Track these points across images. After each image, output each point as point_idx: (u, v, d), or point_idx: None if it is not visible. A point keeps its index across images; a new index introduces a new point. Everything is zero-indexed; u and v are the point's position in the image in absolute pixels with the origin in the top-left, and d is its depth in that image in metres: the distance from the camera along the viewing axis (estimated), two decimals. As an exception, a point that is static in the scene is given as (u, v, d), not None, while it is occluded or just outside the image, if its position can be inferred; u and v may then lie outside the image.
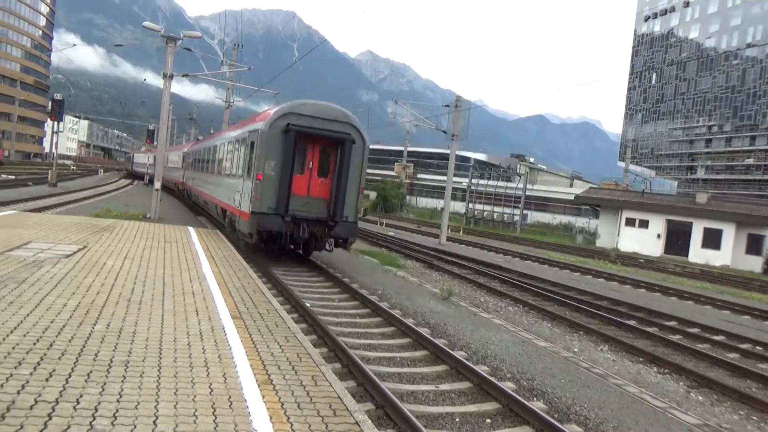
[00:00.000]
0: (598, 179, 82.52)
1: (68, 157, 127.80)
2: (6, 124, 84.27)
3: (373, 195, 67.93)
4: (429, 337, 8.51)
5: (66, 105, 33.31)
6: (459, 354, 7.98)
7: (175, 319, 5.94)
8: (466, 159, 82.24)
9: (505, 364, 7.88)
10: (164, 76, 21.55)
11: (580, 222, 53.49)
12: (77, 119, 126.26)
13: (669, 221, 38.42)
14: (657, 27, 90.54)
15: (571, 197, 53.81)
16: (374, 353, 7.89)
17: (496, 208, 57.65)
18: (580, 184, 76.44)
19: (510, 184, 59.56)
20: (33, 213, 16.86)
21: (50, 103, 33.29)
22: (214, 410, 3.82)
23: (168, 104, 22.41)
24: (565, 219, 58.10)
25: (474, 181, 60.05)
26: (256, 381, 4.45)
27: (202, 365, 4.63)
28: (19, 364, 4.20)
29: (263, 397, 4.15)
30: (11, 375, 3.97)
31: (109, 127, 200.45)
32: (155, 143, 41.12)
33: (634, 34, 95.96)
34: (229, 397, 4.06)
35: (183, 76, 25.44)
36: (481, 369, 7.38)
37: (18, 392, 3.71)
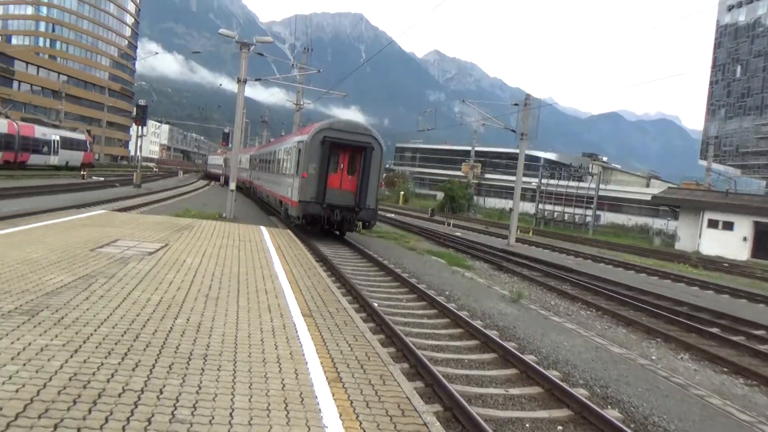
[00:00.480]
0: (677, 179, 78.39)
1: (151, 160, 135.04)
2: (96, 129, 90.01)
3: (440, 195, 67.65)
4: (498, 339, 8.37)
5: (149, 110, 35.25)
6: (529, 358, 7.81)
7: (249, 315, 6.14)
8: (536, 158, 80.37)
9: (577, 370, 7.63)
10: (238, 80, 22.34)
11: (657, 224, 51.00)
12: (159, 124, 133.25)
13: (757, 223, 35.95)
14: (742, 17, 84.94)
15: (648, 197, 51.43)
16: (442, 354, 7.85)
17: (567, 209, 55.95)
18: (657, 183, 72.92)
19: (582, 184, 57.65)
20: (120, 212, 17.92)
21: (135, 109, 35.36)
22: (286, 405, 3.92)
23: (242, 108, 23.22)
24: (641, 220, 55.56)
25: (544, 181, 58.56)
26: (326, 378, 4.53)
27: (274, 361, 4.76)
28: (109, 354, 4.47)
29: (333, 395, 4.22)
30: (102, 364, 4.23)
31: (188, 131, 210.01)
32: (230, 145, 42.74)
33: (717, 25, 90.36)
34: (301, 393, 4.15)
35: (256, 80, 26.29)
36: (552, 374, 7.19)
37: (108, 380, 3.95)
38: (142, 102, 34.73)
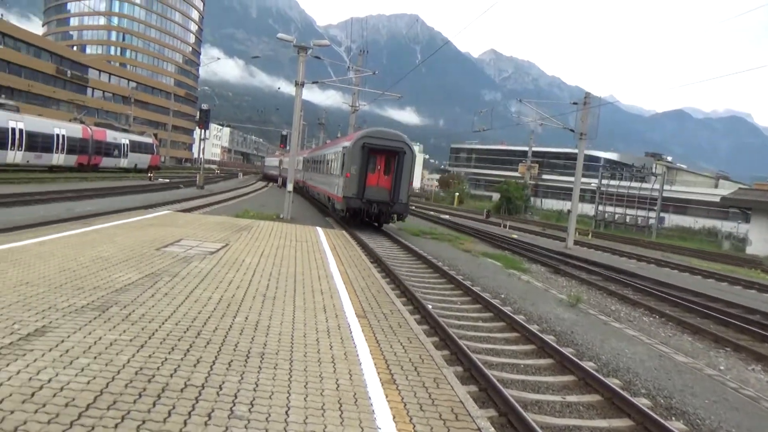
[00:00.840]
0: (748, 179, 74.26)
1: (213, 162, 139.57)
2: (162, 133, 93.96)
3: (496, 196, 66.70)
4: (555, 345, 8.17)
5: (211, 114, 36.43)
6: (588, 365, 7.58)
7: (305, 315, 6.25)
8: (596, 159, 78.04)
9: (639, 379, 7.35)
10: (296, 84, 22.78)
11: (726, 226, 48.43)
12: (221, 127, 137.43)
13: (839, 227, 33.59)
14: (825, 6, 79.50)
15: (716, 199, 48.94)
16: (497, 358, 7.74)
17: (629, 211, 54.00)
18: (726, 184, 69.25)
19: (644, 185, 55.49)
20: (183, 213, 18.62)
21: (198, 113, 36.60)
22: (341, 405, 3.96)
23: (299, 110, 23.66)
24: (708, 223, 52.92)
25: (604, 181, 56.75)
26: (380, 380, 4.55)
27: (329, 361, 4.82)
28: (172, 349, 4.65)
29: (386, 396, 4.23)
30: (165, 359, 4.41)
31: (248, 134, 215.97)
32: (287, 147, 43.63)
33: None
34: (355, 394, 4.19)
35: (313, 83, 26.72)
36: (613, 382, 6.95)
37: (171, 375, 4.11)
38: (204, 106, 35.92)
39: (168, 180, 45.08)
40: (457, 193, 70.73)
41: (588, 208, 58.81)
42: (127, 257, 8.49)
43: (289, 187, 23.11)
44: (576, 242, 28.62)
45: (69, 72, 79.06)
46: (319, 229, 16.70)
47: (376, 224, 22.82)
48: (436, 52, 28.07)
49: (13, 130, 33.27)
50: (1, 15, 45.50)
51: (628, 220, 53.33)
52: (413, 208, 40.90)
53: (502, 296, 11.93)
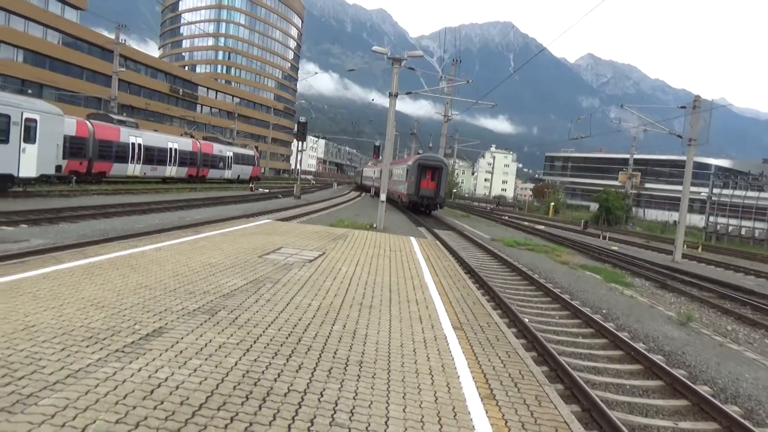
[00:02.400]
0: None
1: (309, 173, 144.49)
2: (263, 145, 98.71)
3: (594, 206, 63.85)
4: (664, 365, 7.62)
5: (307, 126, 37.71)
6: (702, 389, 7.00)
7: (401, 325, 6.25)
8: (706, 166, 72.72)
9: (763, 407, 6.68)
10: (389, 95, 23.07)
11: None
12: (316, 139, 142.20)
13: None
14: None
15: None
16: (599, 377, 7.34)
17: (744, 223, 49.62)
18: None
19: (762, 194, 50.82)
20: (282, 222, 19.37)
21: (296, 126, 38.02)
22: (440, 419, 3.90)
23: (392, 121, 23.92)
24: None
25: (716, 191, 52.60)
26: (479, 394, 4.44)
27: (426, 372, 4.78)
28: (276, 354, 4.81)
29: (486, 412, 4.12)
30: (269, 364, 4.56)
31: (342, 145, 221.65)
32: (380, 158, 44.28)
33: None
34: (453, 408, 4.11)
35: (406, 94, 26.93)
36: (732, 410, 6.37)
37: (275, 380, 4.24)
38: (302, 119, 37.21)
39: (268, 190, 47.18)
40: (552, 203, 68.41)
41: (697, 219, 54.76)
42: (232, 264, 8.93)
43: (382, 197, 23.37)
44: (684, 256, 26.69)
45: (181, 90, 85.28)
46: (412, 238, 16.75)
47: (427, 211, 35.56)
48: (530, 59, 27.33)
49: (133, 145, 36.29)
50: (124, 40, 49.85)
51: (743, 233, 49.01)
52: (506, 218, 47.00)
53: (604, 311, 11.34)
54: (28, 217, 15.82)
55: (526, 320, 9.38)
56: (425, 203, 34.03)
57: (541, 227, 39.65)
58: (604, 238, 36.50)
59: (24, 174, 21.71)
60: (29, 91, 46.28)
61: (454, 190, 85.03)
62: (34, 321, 5.09)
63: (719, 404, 6.36)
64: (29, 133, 21.63)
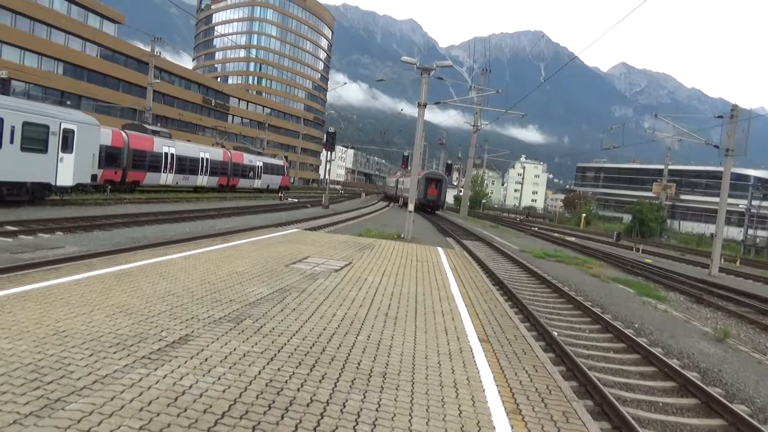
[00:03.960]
0: None
1: (337, 183, 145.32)
2: (292, 155, 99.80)
3: (627, 218, 62.62)
4: (699, 383, 7.38)
5: (336, 136, 37.97)
6: (740, 408, 6.75)
7: (426, 336, 6.20)
8: (745, 177, 70.74)
9: (806, 430, 6.39)
10: (419, 105, 23.08)
11: None
12: (345, 149, 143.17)
13: None
14: None
15: None
16: (631, 394, 7.14)
17: (787, 235, 47.98)
18: None
19: (806, 207, 49.11)
20: (310, 231, 19.50)
21: (325, 136, 38.34)
22: (463, 433, 3.83)
23: (421, 131, 23.91)
24: None
25: (755, 202, 51.07)
26: (505, 409, 4.36)
27: (451, 385, 4.71)
28: (299, 364, 4.81)
29: (512, 428, 4.04)
30: (293, 373, 4.56)
31: (370, 155, 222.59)
32: (408, 168, 44.42)
33: None
34: (478, 422, 4.04)
35: (435, 104, 26.95)
36: (772, 431, 6.11)
37: (298, 390, 4.24)
38: (331, 129, 37.52)
39: (296, 200, 47.62)
40: (583, 214, 67.37)
41: (735, 232, 53.21)
42: (259, 272, 9.00)
43: (410, 207, 23.35)
44: (721, 269, 25.93)
45: (213, 101, 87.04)
46: (440, 249, 16.66)
47: (431, 211, 49.78)
48: (561, 68, 27.06)
49: (166, 155, 37.09)
50: (159, 53, 51.19)
51: (785, 246, 47.40)
52: (536, 229, 47.28)
53: (636, 326, 11.07)
54: (63, 225, 16.27)
55: (555, 333, 9.21)
56: (430, 205, 50.17)
57: (572, 239, 39.06)
58: (638, 250, 35.75)
59: (61, 183, 22.37)
60: (68, 103, 47.85)
61: (483, 201, 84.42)
62: (65, 326, 5.21)
63: (758, 425, 6.11)
64: (66, 143, 22.28)
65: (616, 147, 42.15)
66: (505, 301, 10.00)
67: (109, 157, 31.02)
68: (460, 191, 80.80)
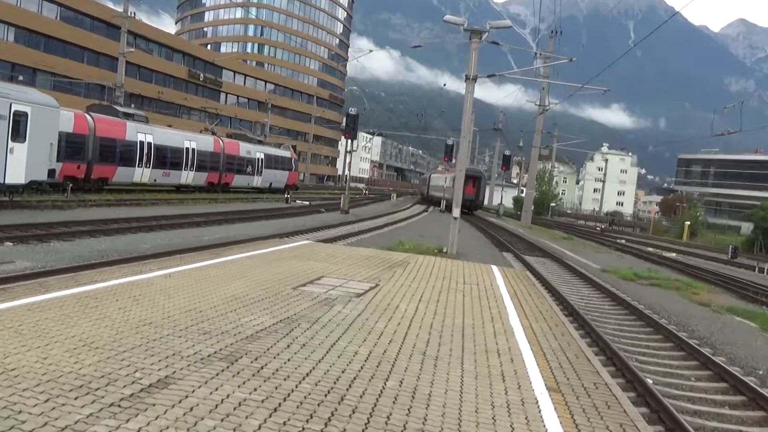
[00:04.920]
0: None
1: (360, 180, 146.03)
2: (302, 145, 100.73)
3: (746, 227, 61.32)
4: None
5: (359, 120, 38.13)
6: None
7: (476, 383, 6.17)
8: None
9: None
10: (467, 78, 23.06)
11: None
12: (371, 136, 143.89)
13: None
14: None
15: None
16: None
17: None
18: None
19: None
20: (325, 244, 19.63)
21: (344, 119, 38.58)
22: None
23: (470, 113, 23.89)
24: None
25: None
26: (581, 481, 4.31)
27: (510, 448, 4.68)
28: (310, 417, 4.83)
29: (591, 506, 3.98)
30: (302, 429, 4.59)
31: (403, 144, 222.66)
32: (453, 161, 44.35)
33: None
34: (545, 498, 4.00)
35: (488, 77, 26.88)
36: None
37: (309, 450, 4.26)
38: (352, 110, 37.69)
39: (308, 203, 48.00)
40: (687, 222, 66.23)
41: None
42: (259, 297, 9.10)
43: (456, 212, 23.30)
44: None
45: (202, 75, 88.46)
46: (494, 268, 16.59)
47: (468, 211, 55.16)
48: (657, 28, 26.65)
49: (142, 144, 37.76)
50: (133, 14, 52.16)
51: None
52: (623, 242, 46.71)
53: (760, 373, 10.83)
54: (13, 233, 16.72)
55: (650, 381, 9.07)
56: (467, 205, 52.79)
57: (672, 255, 38.45)
58: (762, 270, 34.98)
59: (11, 180, 22.95)
60: (20, 78, 49.25)
61: (552, 204, 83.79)
62: (15, 363, 5.34)
63: None
64: (18, 130, 22.82)
65: (733, 132, 41.39)
66: (582, 338, 9.89)
67: (70, 147, 31.70)
68: (522, 191, 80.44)
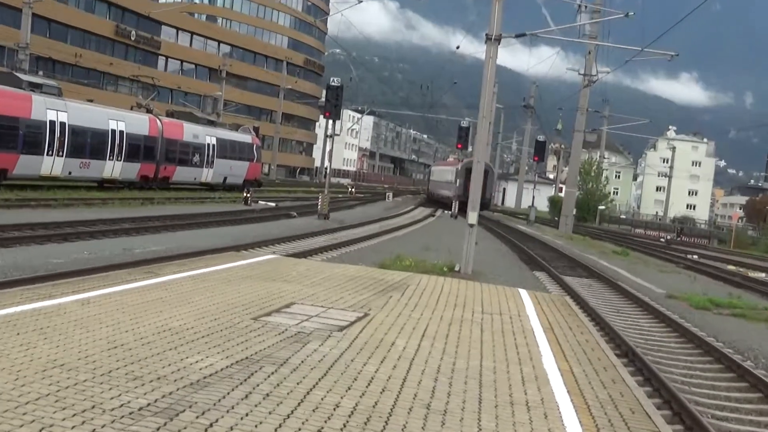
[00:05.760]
0: None
1: (345, 174, 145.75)
2: (266, 126, 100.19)
3: None
4: None
5: (345, 93, 38.01)
6: None
7: (498, 446, 6.17)
8: None
9: None
10: (487, 38, 23.05)
11: None
12: (359, 115, 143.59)
13: None
14: None
15: None
16: None
17: None
18: None
19: None
20: (297, 259, 19.59)
21: (324, 93, 38.56)
22: None
23: (492, 85, 23.88)
24: None
25: None
26: None
27: None
28: (276, 492, 4.83)
29: None
30: (265, 508, 4.58)
31: (403, 125, 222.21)
32: (471, 148, 44.34)
33: None
34: None
35: (515, 37, 26.93)
36: None
37: None
38: (335, 81, 37.60)
39: (274, 204, 47.84)
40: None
41: None
42: (208, 330, 9.08)
43: (472, 218, 23.27)
44: None
45: (133, 33, 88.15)
46: (523, 292, 16.59)
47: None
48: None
49: (52, 124, 37.56)
50: (42, -49, 52.05)
51: None
52: (694, 257, 47.79)
53: None
54: None
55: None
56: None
57: (761, 275, 38.41)
58: None
59: None
60: None
61: (601, 207, 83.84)
62: None
63: None
64: None
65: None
66: (640, 386, 9.89)
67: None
68: (560, 190, 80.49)
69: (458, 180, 68.05)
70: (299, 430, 5.97)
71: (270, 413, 6.28)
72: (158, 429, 5.62)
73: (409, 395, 7.31)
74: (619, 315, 18.95)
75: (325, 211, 39.25)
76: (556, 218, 66.67)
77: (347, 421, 6.31)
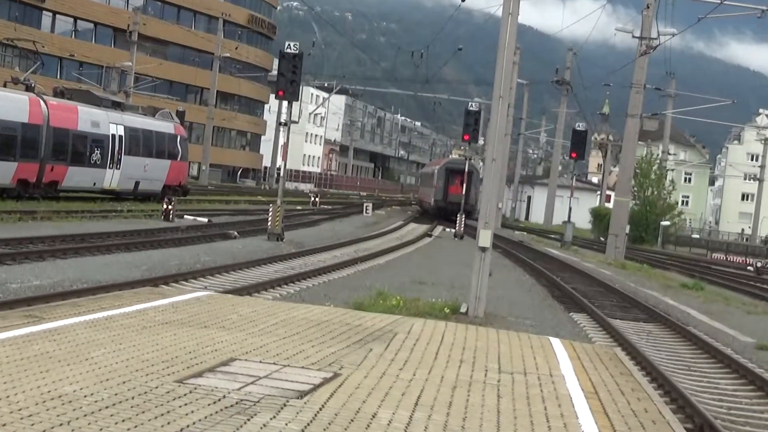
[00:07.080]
0: None
1: (307, 177, 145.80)
2: (196, 111, 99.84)
3: None
4: None
5: (305, 64, 38.09)
6: None
7: None
8: None
9: None
10: (504, -10, 23.26)
11: None
12: (325, 93, 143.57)
13: None
14: None
15: None
16: None
17: None
18: None
19: None
20: (239, 297, 19.58)
21: (277, 63, 38.57)
22: None
23: (511, 50, 24.02)
24: None
25: None
26: None
27: None
28: None
29: None
30: None
31: (386, 107, 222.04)
32: (482, 141, 44.35)
33: None
34: None
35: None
36: None
37: None
38: (292, 47, 37.62)
39: (206, 220, 47.85)
40: None
41: None
42: (114, 398, 9.04)
43: (483, 239, 23.33)
44: None
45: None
46: (555, 341, 16.64)
47: (455, 218, 72.70)
48: None
49: None
50: None
51: None
52: None
53: None
54: None
55: None
56: (452, 209, 74.57)
57: None
58: None
59: None
60: None
61: (665, 222, 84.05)
62: None
63: None
64: None
65: None
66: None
67: None
68: (608, 199, 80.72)
69: (438, 183, 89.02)
70: None
71: None
72: None
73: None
74: (690, 373, 19.01)
75: (278, 229, 39.23)
76: (602, 238, 67.17)
77: None
